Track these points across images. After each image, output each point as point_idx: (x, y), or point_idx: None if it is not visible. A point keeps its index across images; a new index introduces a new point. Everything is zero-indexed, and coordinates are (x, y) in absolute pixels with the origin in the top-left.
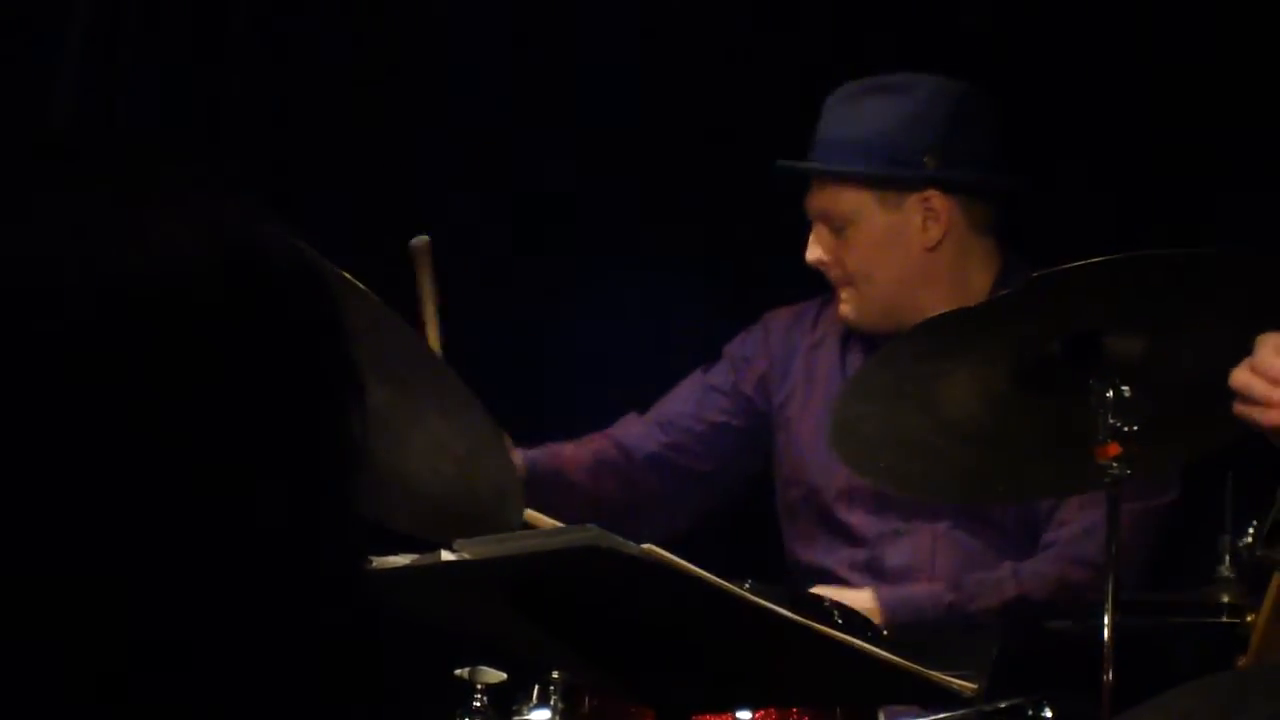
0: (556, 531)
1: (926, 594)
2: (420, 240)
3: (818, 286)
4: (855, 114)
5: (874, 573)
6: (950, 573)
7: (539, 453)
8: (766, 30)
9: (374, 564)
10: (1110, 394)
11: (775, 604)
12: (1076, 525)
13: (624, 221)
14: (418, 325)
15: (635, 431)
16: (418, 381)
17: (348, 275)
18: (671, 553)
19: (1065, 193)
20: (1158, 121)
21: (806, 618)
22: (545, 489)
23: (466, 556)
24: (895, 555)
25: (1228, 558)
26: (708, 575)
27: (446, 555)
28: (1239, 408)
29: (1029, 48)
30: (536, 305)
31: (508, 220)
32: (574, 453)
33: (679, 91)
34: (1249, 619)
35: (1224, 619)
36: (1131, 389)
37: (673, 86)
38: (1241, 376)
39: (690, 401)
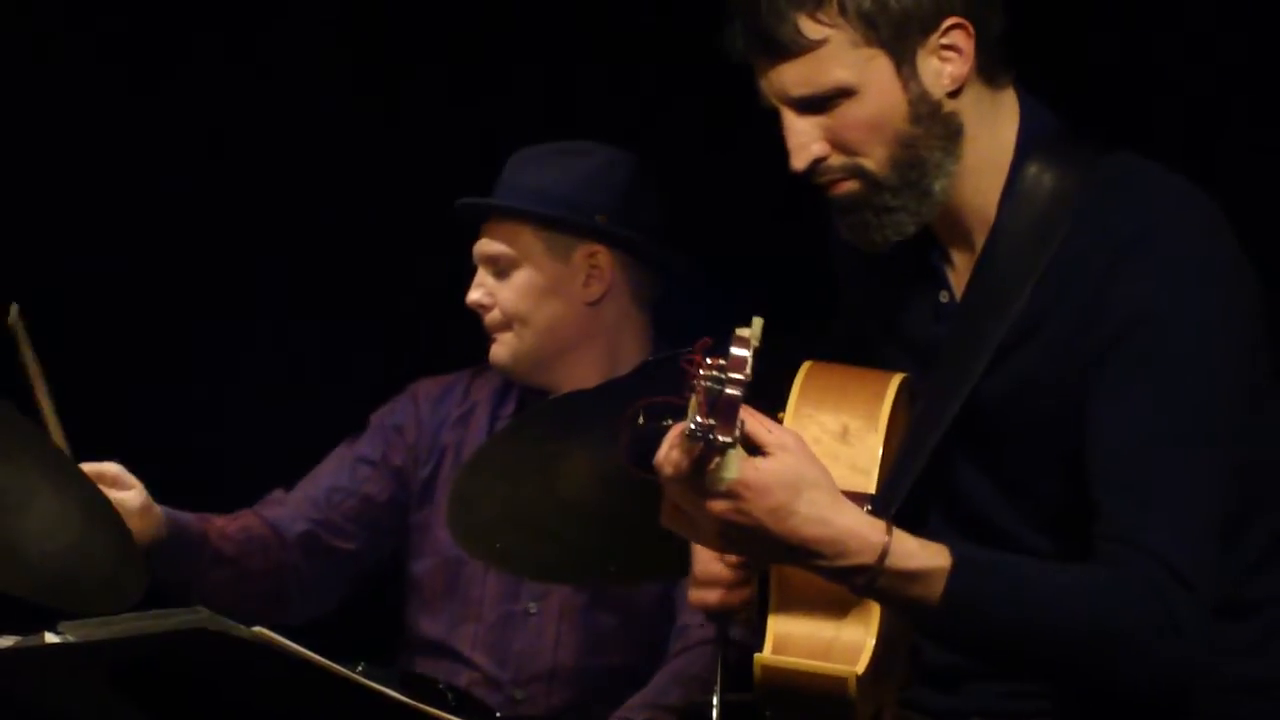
0: (165, 614)
1: None
2: (12, 311)
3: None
4: (535, 168)
5: (495, 653)
6: (572, 658)
7: (187, 516)
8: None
9: None
10: None
11: (387, 686)
12: None
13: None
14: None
15: (285, 510)
16: (27, 459)
17: None
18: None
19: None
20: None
21: (419, 699)
22: (187, 555)
23: (70, 639)
24: (520, 638)
25: None
26: (318, 658)
27: (51, 637)
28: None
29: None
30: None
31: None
32: (223, 524)
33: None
34: None
35: None
36: None
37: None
38: (696, 596)
39: (340, 475)
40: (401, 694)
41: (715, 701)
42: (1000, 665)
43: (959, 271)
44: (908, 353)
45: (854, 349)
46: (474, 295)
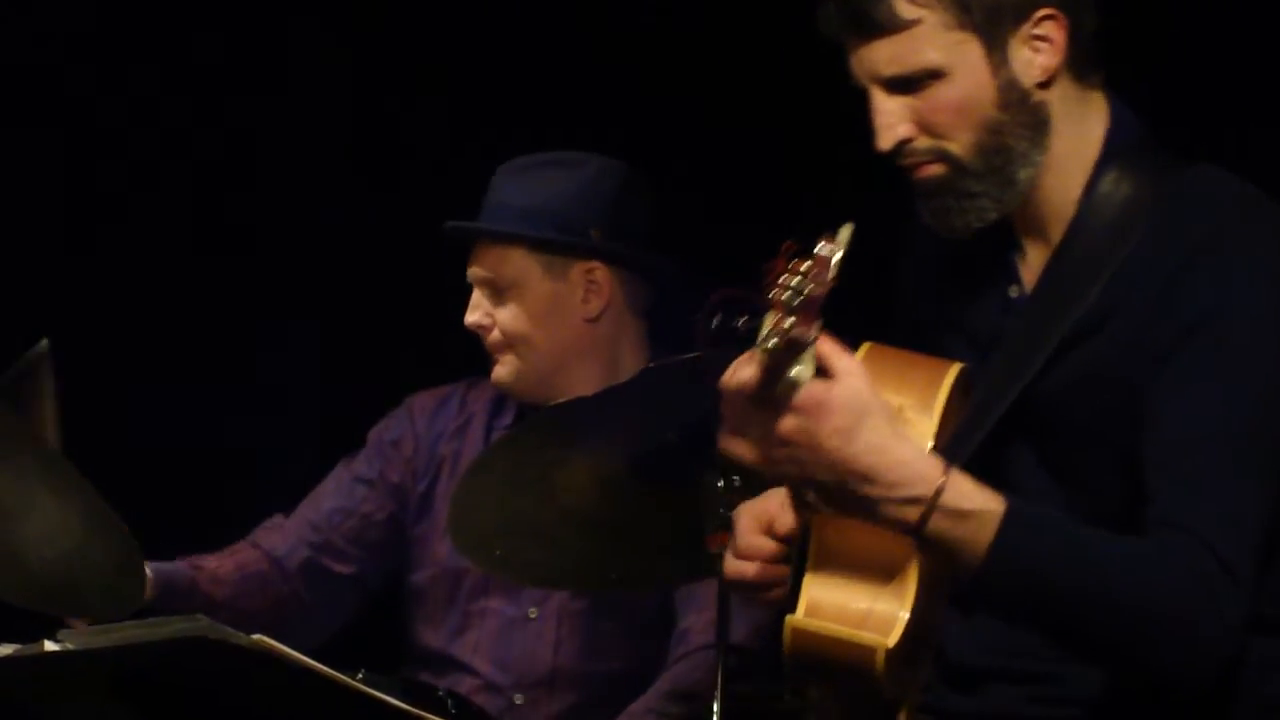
0: (164, 621)
1: None
2: (40, 347)
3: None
4: (526, 184)
5: (496, 658)
6: (572, 663)
7: (174, 567)
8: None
9: None
10: (721, 483)
11: (388, 694)
12: (711, 612)
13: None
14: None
15: (284, 539)
16: (26, 465)
17: None
18: None
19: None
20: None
21: (419, 707)
22: (181, 608)
23: (70, 647)
24: (520, 642)
25: None
26: (318, 665)
27: (50, 645)
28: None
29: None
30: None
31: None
32: (216, 567)
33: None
34: None
35: None
36: (742, 479)
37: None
38: (733, 568)
39: (339, 497)
40: (401, 701)
41: (716, 708)
42: (1036, 627)
43: (1031, 267)
44: (970, 344)
45: (911, 341)
46: (472, 317)
